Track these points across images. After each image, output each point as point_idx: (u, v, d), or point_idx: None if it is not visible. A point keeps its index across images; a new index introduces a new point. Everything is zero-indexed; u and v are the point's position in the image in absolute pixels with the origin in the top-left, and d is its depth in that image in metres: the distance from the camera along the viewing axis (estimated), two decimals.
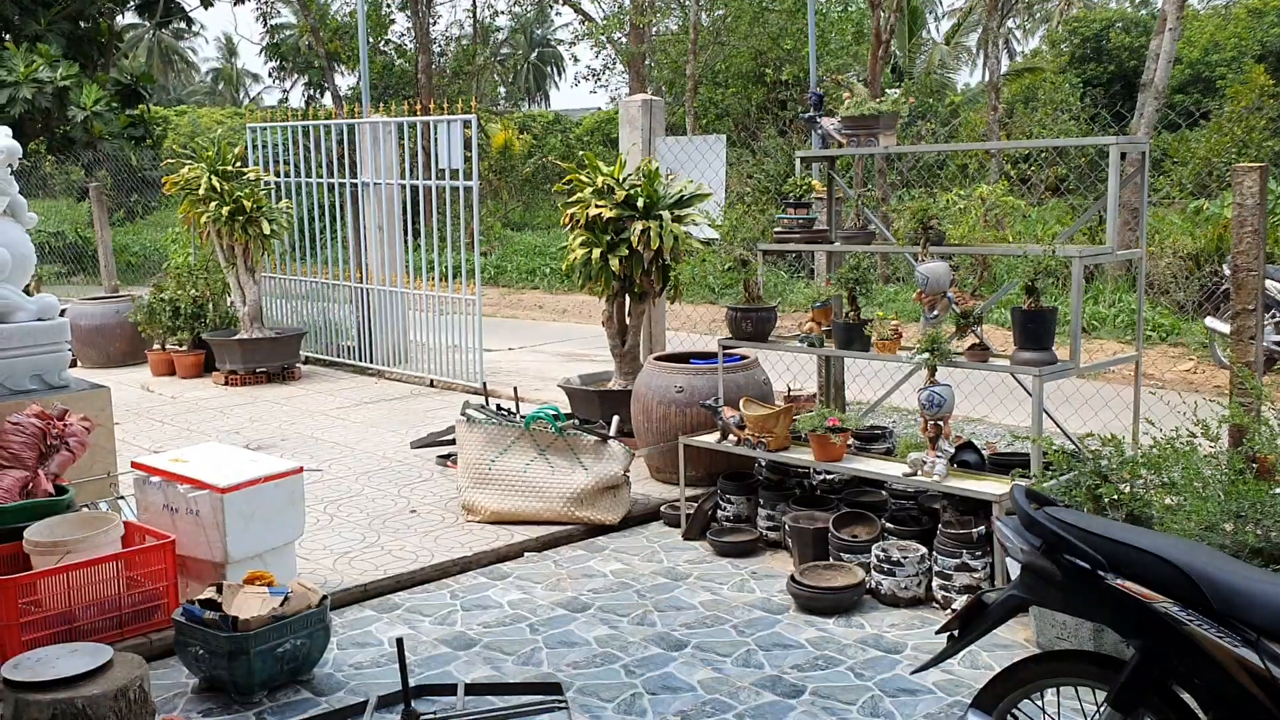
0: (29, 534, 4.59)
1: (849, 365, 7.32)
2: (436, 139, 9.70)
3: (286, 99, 31.41)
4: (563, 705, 3.92)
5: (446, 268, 9.98)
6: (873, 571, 5.11)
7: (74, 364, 10.90)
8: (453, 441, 6.98)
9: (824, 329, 5.95)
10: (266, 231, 10.02)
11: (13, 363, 5.33)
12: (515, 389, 7.18)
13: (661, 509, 6.31)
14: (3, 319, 5.37)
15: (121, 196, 21.58)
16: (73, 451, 5.14)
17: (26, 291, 5.56)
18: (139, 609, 4.66)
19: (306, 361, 11.10)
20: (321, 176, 10.96)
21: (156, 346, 10.90)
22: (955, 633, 3.04)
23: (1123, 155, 5.84)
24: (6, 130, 5.42)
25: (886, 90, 6.36)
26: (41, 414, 5.13)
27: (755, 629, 4.83)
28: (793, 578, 5.11)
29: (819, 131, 6.72)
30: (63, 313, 10.23)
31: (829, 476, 5.99)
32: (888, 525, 5.31)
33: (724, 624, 4.88)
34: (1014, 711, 3.05)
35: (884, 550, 5.07)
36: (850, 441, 5.64)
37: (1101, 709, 2.83)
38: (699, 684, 4.33)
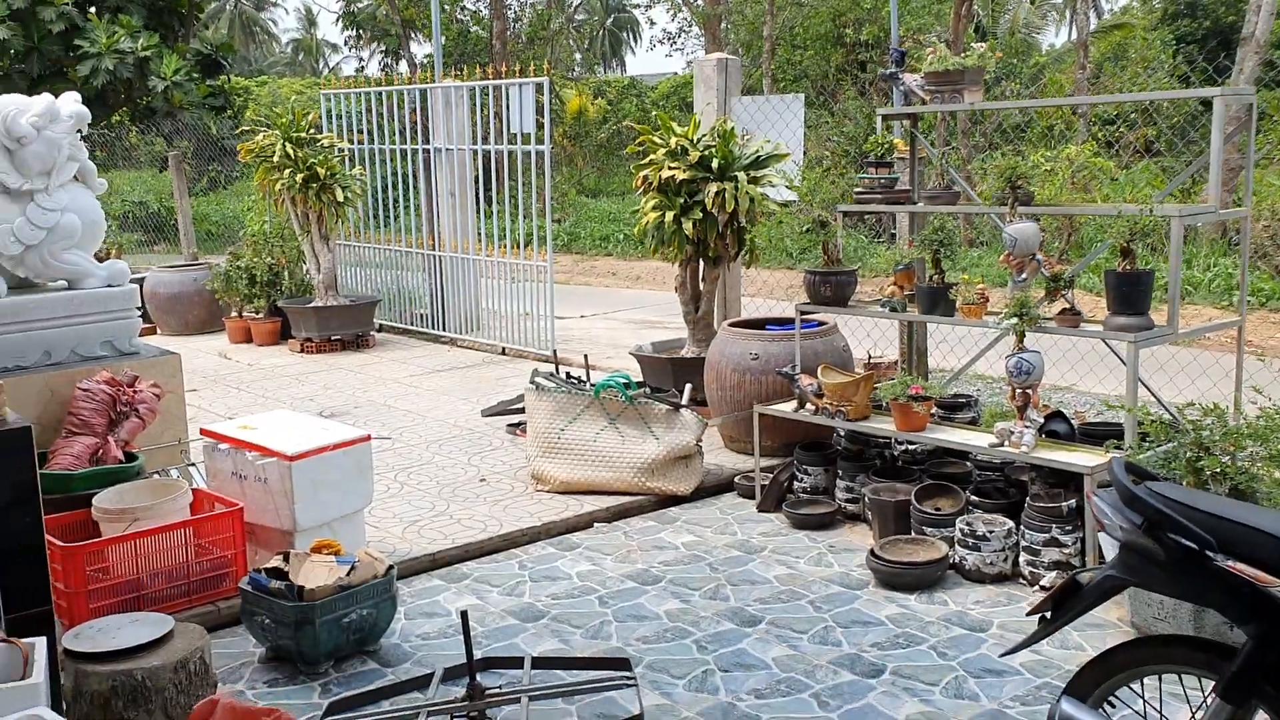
0: (98, 501, 4.58)
1: (932, 331, 7.06)
2: (508, 103, 9.57)
3: (363, 68, 31.61)
4: (631, 681, 3.78)
5: (519, 234, 9.87)
6: (956, 546, 4.90)
7: (154, 331, 11.07)
8: (523, 410, 6.89)
9: (906, 293, 5.72)
10: (340, 199, 10.00)
11: (83, 329, 5.32)
12: (586, 356, 7.05)
13: (735, 480, 6.15)
14: (74, 285, 5.37)
15: (202, 166, 21.89)
16: (142, 418, 5.13)
17: (99, 258, 5.55)
18: (207, 577, 4.63)
19: (380, 329, 11.11)
20: (395, 143, 10.92)
21: (234, 314, 10.98)
22: (1047, 614, 2.84)
23: None
24: (75, 95, 5.39)
25: (970, 46, 6.06)
26: (111, 380, 5.12)
27: (833, 605, 4.66)
28: (872, 552, 4.92)
29: (901, 88, 6.45)
30: (142, 281, 10.31)
31: (911, 447, 5.77)
32: (973, 498, 5.09)
33: (800, 599, 4.72)
34: (1111, 699, 2.84)
35: (969, 524, 4.86)
36: (933, 410, 5.42)
37: (1209, 700, 2.61)
38: (773, 661, 4.17)
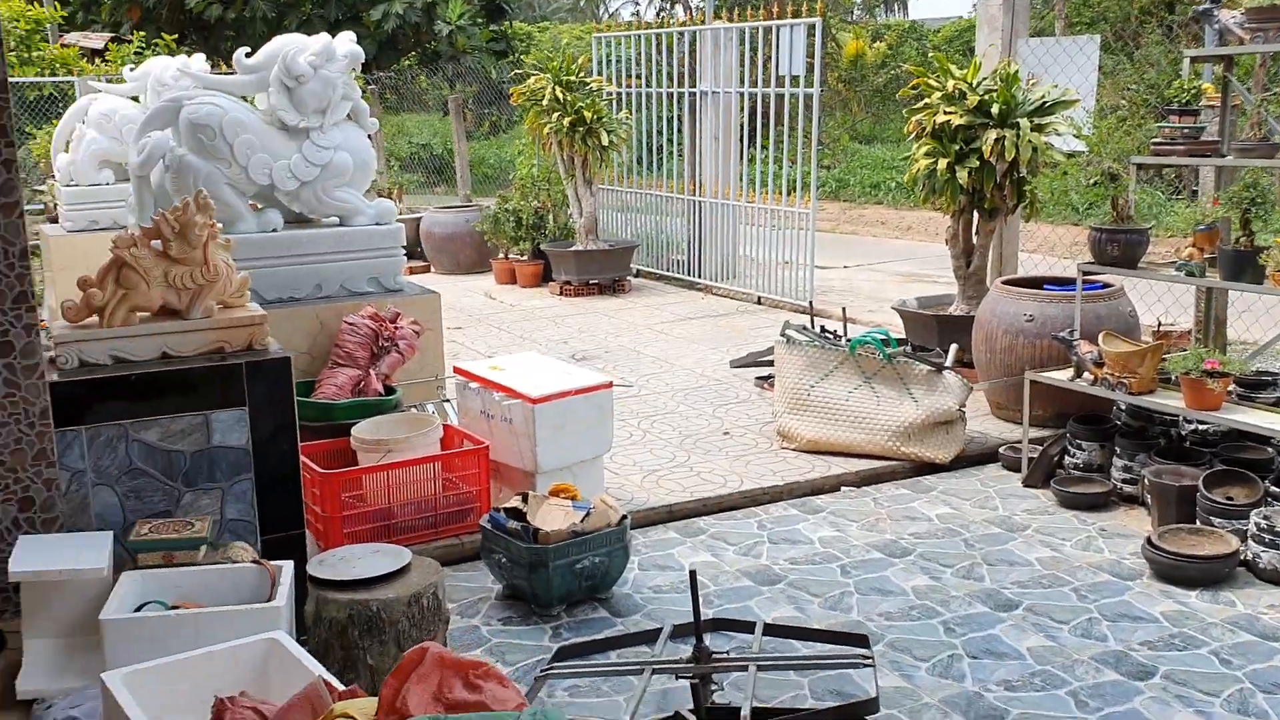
0: (356, 431, 4.74)
1: (1234, 300, 6.31)
2: (778, 45, 9.28)
3: (639, 13, 31.81)
4: (869, 661, 3.54)
5: (782, 180, 9.60)
6: (1250, 541, 4.35)
7: (427, 269, 11.55)
8: (773, 363, 6.68)
9: (1206, 256, 5.10)
10: (605, 143, 10.03)
11: (352, 264, 5.52)
12: (844, 310, 6.76)
13: (1000, 450, 5.73)
14: (344, 221, 5.56)
15: (482, 110, 22.69)
16: (402, 353, 5.27)
17: (375, 196, 5.73)
18: (452, 511, 4.72)
19: (637, 274, 11.14)
20: (662, 87, 10.84)
21: (500, 255, 11.28)
22: None
23: None
24: (350, 36, 5.56)
25: None
26: (375, 316, 5.29)
27: (1100, 595, 4.23)
28: (1149, 540, 4.44)
29: (1215, 26, 5.73)
30: (418, 222, 10.73)
31: (1201, 427, 5.18)
32: (1272, 489, 4.50)
33: (1063, 586, 4.32)
34: None
35: (1266, 518, 4.30)
36: (1231, 388, 4.83)
37: None
38: (1028, 651, 3.83)
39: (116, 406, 3.58)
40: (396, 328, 5.30)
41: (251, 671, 2.80)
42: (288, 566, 3.41)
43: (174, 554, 3.41)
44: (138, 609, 3.19)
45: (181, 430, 3.66)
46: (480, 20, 18.18)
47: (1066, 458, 5.36)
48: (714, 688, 3.41)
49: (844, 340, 5.92)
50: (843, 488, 5.41)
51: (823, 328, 6.30)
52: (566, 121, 9.93)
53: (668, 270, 11.10)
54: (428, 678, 2.04)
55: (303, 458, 4.20)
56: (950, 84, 6.73)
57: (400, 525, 4.59)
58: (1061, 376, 5.31)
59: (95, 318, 3.68)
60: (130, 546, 3.43)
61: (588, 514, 4.21)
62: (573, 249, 10.47)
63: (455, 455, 4.81)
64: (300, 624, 3.42)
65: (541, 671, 3.56)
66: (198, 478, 3.70)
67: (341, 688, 2.45)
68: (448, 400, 5.58)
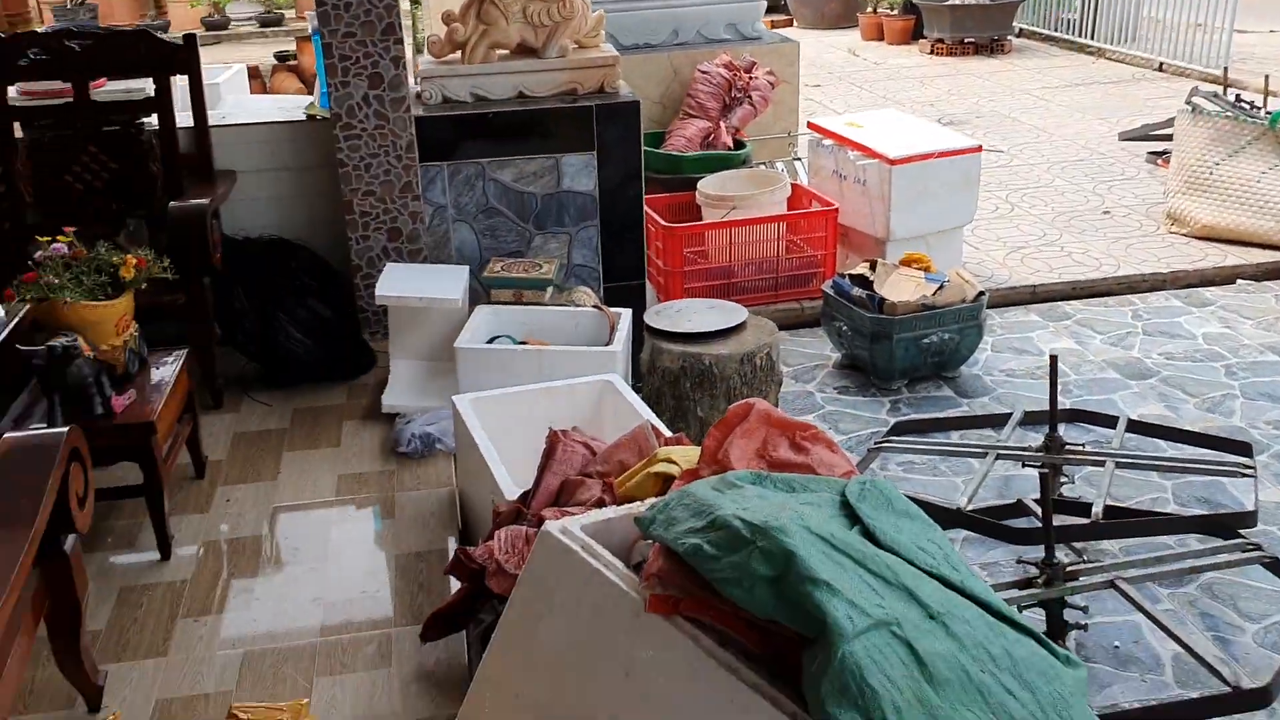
0: (702, 185, 4.64)
1: None
2: None
3: None
4: (1250, 470, 3.13)
5: None
6: None
7: (789, 23, 11.08)
8: (1169, 137, 5.90)
9: None
10: None
11: (711, 9, 5.30)
12: (1266, 78, 5.80)
13: None
14: None
15: None
16: (755, 106, 5.06)
17: None
18: (794, 274, 4.57)
19: (1019, 34, 10.14)
20: None
21: (868, 9, 10.62)
22: None
23: None
24: None
25: None
26: (729, 65, 5.08)
27: None
28: None
29: None
30: None
31: None
32: None
33: None
34: None
35: None
36: None
37: None
38: None
39: (475, 145, 3.65)
40: (751, 78, 5.08)
41: (586, 409, 2.84)
42: (626, 314, 3.42)
43: (523, 292, 3.50)
44: (489, 341, 3.32)
45: (534, 172, 3.69)
46: None
47: None
48: (1064, 480, 3.16)
49: (1263, 113, 5.10)
50: (1239, 280, 4.77)
51: (1238, 96, 5.45)
52: None
53: (1055, 30, 10.03)
54: (752, 433, 1.94)
55: (647, 209, 4.17)
56: None
57: (740, 285, 4.51)
58: None
59: (457, 54, 3.72)
60: (484, 282, 3.55)
61: (941, 287, 3.93)
62: (948, 3, 9.64)
63: (802, 216, 4.63)
64: (635, 370, 3.45)
65: (876, 444, 3.43)
66: (547, 221, 3.75)
67: (668, 434, 2.42)
68: (799, 159, 5.35)
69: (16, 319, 2.63)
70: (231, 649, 2.39)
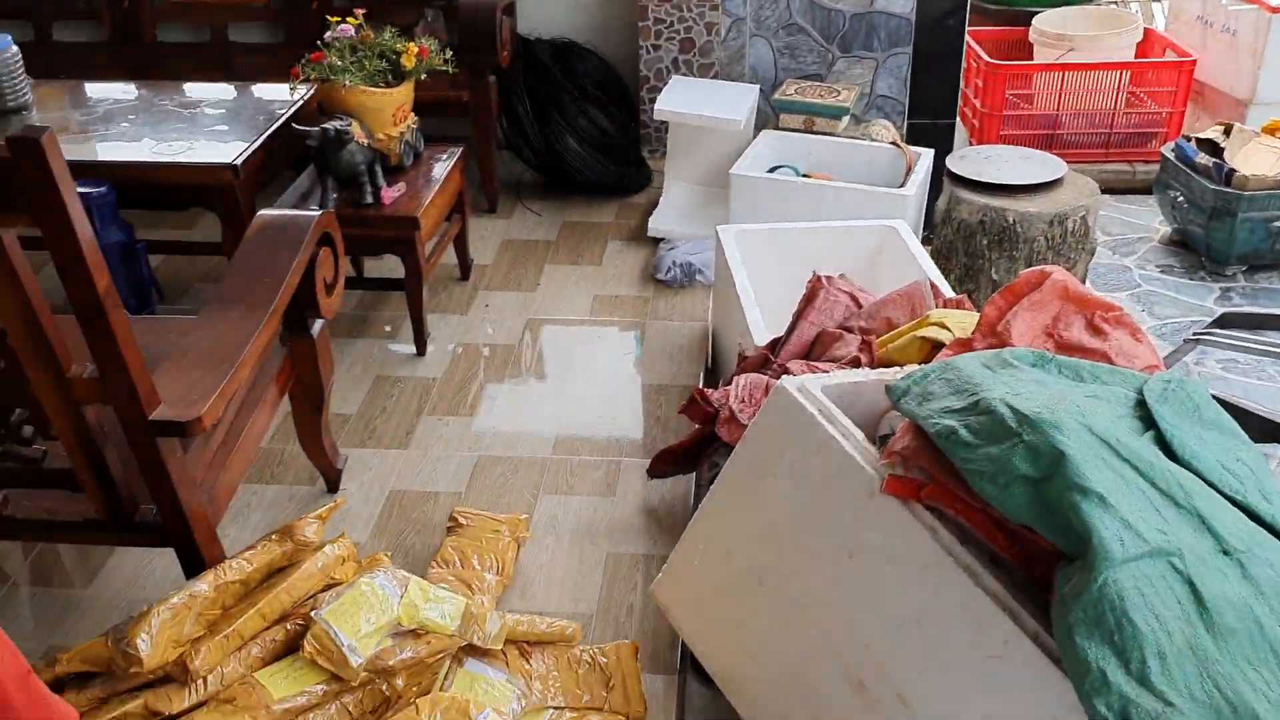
0: (1038, 21, 4.12)
1: None
2: None
3: None
4: None
5: None
6: None
7: None
8: None
9: None
10: None
11: None
12: None
13: None
14: None
15: None
16: None
17: None
18: (1132, 131, 4.02)
19: None
20: None
21: None
22: None
23: None
24: None
25: None
26: None
27: None
28: None
29: None
30: None
31: None
32: None
33: None
34: None
35: None
36: None
37: None
38: None
39: None
40: None
41: (863, 256, 2.60)
42: (927, 155, 3.10)
43: (815, 119, 3.23)
44: (770, 170, 3.09)
45: None
46: None
47: None
48: None
49: None
50: None
51: None
52: None
53: None
54: (1043, 306, 1.65)
55: (971, 41, 3.74)
56: None
57: (1065, 137, 4.01)
58: None
59: None
60: (775, 105, 3.29)
61: None
62: None
63: (1150, 66, 4.03)
64: (928, 219, 3.14)
65: (1195, 334, 2.98)
66: (854, 43, 3.43)
67: (949, 294, 2.15)
68: None
69: (302, 99, 2.64)
70: (468, 451, 2.38)
